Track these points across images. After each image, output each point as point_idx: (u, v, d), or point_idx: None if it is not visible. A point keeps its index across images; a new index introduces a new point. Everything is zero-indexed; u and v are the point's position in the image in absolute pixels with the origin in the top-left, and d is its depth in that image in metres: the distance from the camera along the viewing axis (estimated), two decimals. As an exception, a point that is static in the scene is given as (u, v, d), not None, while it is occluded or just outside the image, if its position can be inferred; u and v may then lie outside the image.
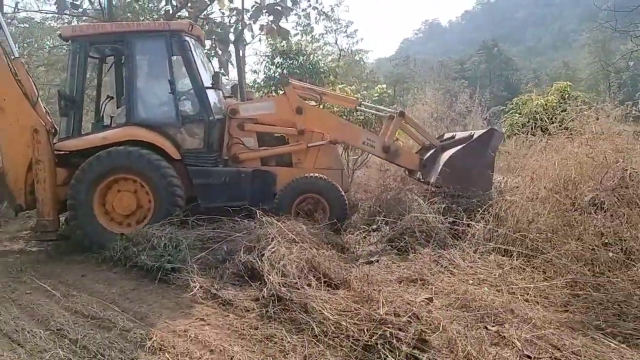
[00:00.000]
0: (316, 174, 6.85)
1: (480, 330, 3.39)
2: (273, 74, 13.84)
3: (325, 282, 4.57)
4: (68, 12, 12.91)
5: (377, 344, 3.32)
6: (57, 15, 13.77)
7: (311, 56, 13.94)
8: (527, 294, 4.18)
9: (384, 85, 10.43)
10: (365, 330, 3.46)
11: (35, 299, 4.90)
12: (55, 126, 7.17)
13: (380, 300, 3.70)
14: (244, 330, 3.98)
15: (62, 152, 6.82)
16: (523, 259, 4.74)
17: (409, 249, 5.62)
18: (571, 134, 5.78)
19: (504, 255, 4.99)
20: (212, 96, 7.17)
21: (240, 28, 10.72)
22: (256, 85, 13.85)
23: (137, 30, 7.15)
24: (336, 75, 14.13)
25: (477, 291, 4.23)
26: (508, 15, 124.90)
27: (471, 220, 5.59)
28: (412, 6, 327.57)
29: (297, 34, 18.10)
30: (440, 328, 3.26)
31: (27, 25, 15.99)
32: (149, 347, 3.68)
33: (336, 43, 30.32)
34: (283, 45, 13.65)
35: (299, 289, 4.27)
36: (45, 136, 6.60)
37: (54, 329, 4.04)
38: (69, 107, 6.82)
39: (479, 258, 5.06)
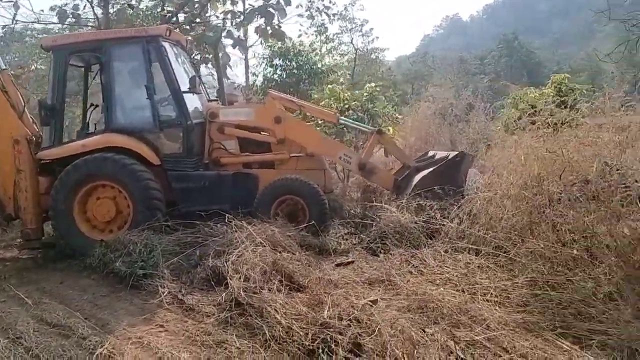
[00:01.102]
0: (295, 176, 6.77)
1: (422, 333, 3.29)
2: (271, 76, 13.88)
3: (288, 285, 4.53)
4: (68, 23, 13.09)
5: (318, 348, 3.25)
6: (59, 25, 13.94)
7: (310, 57, 13.89)
8: (489, 294, 4.07)
9: (373, 84, 10.26)
10: (309, 335, 3.40)
11: (7, 306, 4.95)
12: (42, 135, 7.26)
13: (328, 304, 3.63)
14: (197, 336, 3.95)
15: (45, 161, 6.88)
16: (491, 258, 4.62)
17: (382, 250, 5.54)
18: (555, 125, 5.61)
19: (475, 254, 4.86)
20: (193, 100, 7.17)
21: (223, 29, 10.69)
22: (254, 88, 13.92)
23: (114, 38, 7.19)
24: (329, 73, 14.00)
25: (435, 292, 4.13)
26: (530, 8, 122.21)
27: (445, 218, 5.48)
28: (432, 1, 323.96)
29: (301, 34, 18.14)
30: (376, 332, 3.18)
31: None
32: (99, 355, 3.68)
33: (352, 42, 30.28)
34: (280, 47, 13.67)
35: (257, 294, 4.23)
36: (26, 146, 6.69)
37: (12, 337, 4.08)
38: (49, 116, 6.87)
39: (449, 257, 4.95)
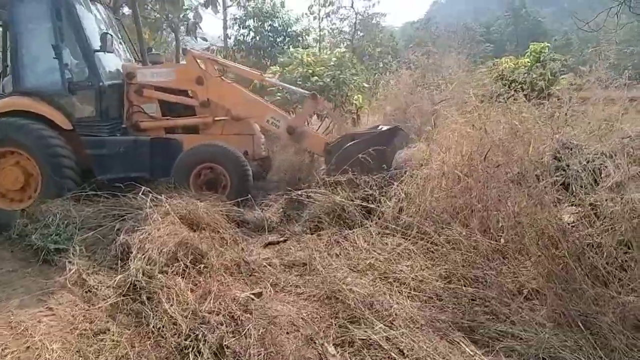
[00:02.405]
0: (214, 142, 6.39)
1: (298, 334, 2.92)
2: (244, 38, 13.21)
3: (198, 268, 4.15)
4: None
5: (189, 346, 2.89)
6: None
7: (284, 18, 13.20)
8: (405, 284, 3.69)
9: (343, 49, 9.69)
10: (184, 330, 3.03)
11: None
12: None
13: (212, 295, 3.25)
14: (80, 323, 3.59)
15: None
16: (419, 242, 4.23)
17: (317, 229, 5.15)
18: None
19: (405, 238, 4.47)
20: (109, 61, 6.70)
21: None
22: (229, 51, 13.31)
23: None
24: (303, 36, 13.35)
25: (350, 279, 3.75)
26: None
27: (383, 196, 5.06)
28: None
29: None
30: (244, 332, 2.80)
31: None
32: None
33: (352, 6, 29.24)
34: (254, 8, 12.99)
35: (153, 277, 3.85)
36: None
37: None
38: None
39: (379, 240, 4.55)
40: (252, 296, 3.31)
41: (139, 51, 7.57)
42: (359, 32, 30.36)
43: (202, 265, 3.96)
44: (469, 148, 4.03)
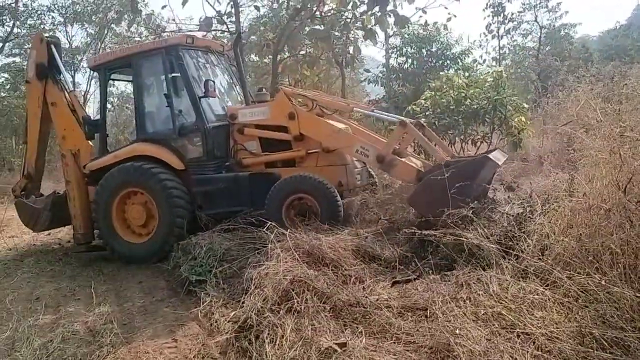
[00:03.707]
0: (304, 173, 6.45)
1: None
2: (402, 66, 13.03)
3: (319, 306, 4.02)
4: (213, 29, 13.94)
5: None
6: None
7: (443, 41, 12.70)
8: (530, 341, 3.11)
9: (501, 69, 8.95)
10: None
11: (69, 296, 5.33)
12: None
13: (300, 341, 3.08)
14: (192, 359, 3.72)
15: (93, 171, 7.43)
16: (558, 290, 3.56)
17: (447, 269, 4.68)
18: None
19: (544, 283, 3.81)
20: (217, 105, 7.38)
21: (344, 20, 10.20)
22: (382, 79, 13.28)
23: (139, 52, 7.40)
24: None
25: (466, 331, 3.29)
26: None
27: (524, 232, 4.42)
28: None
29: (450, 18, 16.73)
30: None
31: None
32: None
33: (535, 20, 27.62)
34: (410, 35, 12.77)
35: (262, 315, 3.82)
36: (72, 159, 7.48)
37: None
38: (92, 130, 7.51)
39: (514, 284, 3.94)
40: (336, 346, 3.06)
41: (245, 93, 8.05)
42: (544, 47, 28.28)
43: (306, 306, 3.81)
44: (610, 177, 3.28)
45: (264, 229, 5.34)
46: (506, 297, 3.80)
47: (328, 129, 6.71)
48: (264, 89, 7.66)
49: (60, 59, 7.93)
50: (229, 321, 4.18)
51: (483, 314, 3.65)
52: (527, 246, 4.31)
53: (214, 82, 6.93)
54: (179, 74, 6.89)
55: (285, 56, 13.17)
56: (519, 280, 4.00)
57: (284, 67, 13.52)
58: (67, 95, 7.79)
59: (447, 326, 3.51)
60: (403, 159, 6.32)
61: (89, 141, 7.67)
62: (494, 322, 3.53)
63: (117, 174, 7.02)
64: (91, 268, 6.87)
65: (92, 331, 4.43)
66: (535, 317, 3.38)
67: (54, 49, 7.79)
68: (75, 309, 5.15)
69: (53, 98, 7.78)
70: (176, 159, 7.02)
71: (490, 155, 5.55)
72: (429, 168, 6.20)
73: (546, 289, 3.66)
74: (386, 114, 7.39)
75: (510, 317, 3.50)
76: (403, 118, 6.79)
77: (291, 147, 7.00)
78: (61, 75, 7.91)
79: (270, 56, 13.09)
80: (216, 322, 4.28)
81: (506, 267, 4.23)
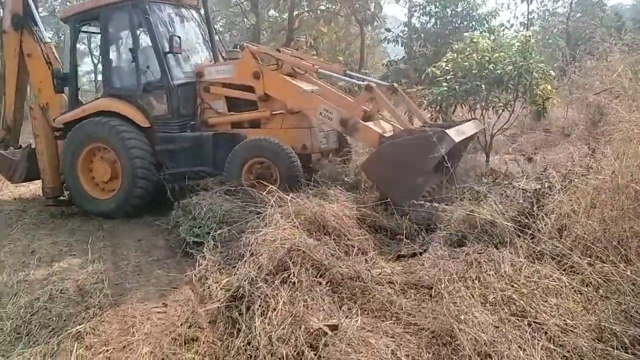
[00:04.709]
0: (261, 136, 6.27)
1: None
2: (423, 26, 12.39)
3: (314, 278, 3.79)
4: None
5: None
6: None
7: (469, 1, 11.99)
8: (542, 330, 2.84)
9: (529, 33, 8.37)
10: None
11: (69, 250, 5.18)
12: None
13: (289, 318, 2.84)
14: (179, 327, 3.53)
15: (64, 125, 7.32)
16: (576, 275, 3.26)
17: (458, 244, 4.40)
18: None
19: (561, 267, 3.51)
20: (184, 62, 7.18)
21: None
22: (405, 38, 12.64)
23: (106, 4, 7.10)
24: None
25: (472, 315, 3.02)
26: None
27: (541, 209, 4.09)
28: None
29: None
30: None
31: None
32: (73, 333, 3.47)
33: None
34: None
35: (256, 285, 3.60)
36: (40, 112, 7.37)
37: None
38: (61, 84, 7.35)
39: (528, 266, 3.65)
40: (326, 328, 2.81)
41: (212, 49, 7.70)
42: (575, 14, 27.06)
43: (301, 278, 3.56)
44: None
45: (264, 192, 5.08)
46: (518, 280, 3.53)
47: (292, 90, 6.52)
48: (238, 47, 7.45)
49: (36, 9, 7.76)
50: (221, 288, 3.99)
51: (492, 298, 3.38)
52: (544, 225, 4.00)
53: (179, 37, 6.72)
54: (177, 34, 6.74)
55: (303, 11, 12.63)
56: (534, 262, 3.71)
57: (301, 23, 13.02)
58: (42, 46, 7.54)
59: (452, 309, 3.26)
60: (367, 123, 6.12)
61: (62, 94, 7.57)
62: (504, 307, 3.27)
63: (81, 129, 6.97)
64: (91, 223, 6.70)
65: (82, 290, 4.26)
66: (549, 304, 3.10)
67: None
68: (69, 265, 5.00)
69: (29, 49, 7.61)
70: (141, 116, 6.89)
71: (447, 131, 5.24)
72: (391, 135, 5.94)
73: (563, 274, 3.36)
74: (345, 77, 7.09)
75: (521, 302, 3.23)
76: (371, 82, 6.51)
77: (257, 108, 6.80)
78: (37, 27, 7.67)
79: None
80: (209, 288, 4.09)
81: (520, 246, 3.93)
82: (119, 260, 5.18)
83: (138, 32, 7.01)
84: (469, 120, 7.09)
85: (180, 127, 6.93)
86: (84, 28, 7.81)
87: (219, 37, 8.23)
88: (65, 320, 3.69)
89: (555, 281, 3.29)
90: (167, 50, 6.67)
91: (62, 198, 7.65)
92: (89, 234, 6.13)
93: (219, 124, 6.93)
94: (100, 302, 3.98)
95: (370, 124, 6.12)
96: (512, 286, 3.46)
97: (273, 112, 6.65)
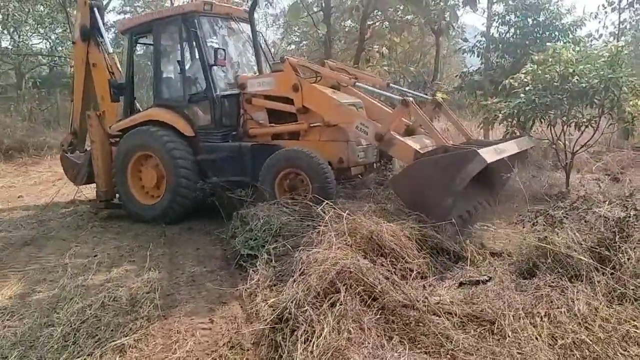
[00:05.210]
0: (296, 148, 6.33)
1: None
2: (501, 36, 11.71)
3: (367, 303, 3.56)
4: None
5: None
6: None
7: (552, 10, 11.22)
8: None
9: (621, 44, 7.67)
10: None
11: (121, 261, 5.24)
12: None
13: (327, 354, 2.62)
14: (221, 347, 3.42)
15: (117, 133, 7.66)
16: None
17: (527, 275, 4.01)
18: None
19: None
20: (230, 73, 7.39)
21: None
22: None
23: (158, 18, 7.43)
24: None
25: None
26: None
27: (626, 240, 3.63)
28: None
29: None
30: None
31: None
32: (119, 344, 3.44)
33: None
34: (515, 1, 11.42)
35: (301, 308, 3.40)
36: (96, 120, 7.67)
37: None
38: (117, 93, 7.67)
39: (606, 306, 3.24)
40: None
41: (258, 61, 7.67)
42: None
43: (350, 304, 3.33)
44: None
45: (320, 207, 4.91)
46: (594, 322, 3.14)
47: (329, 103, 6.43)
48: (280, 59, 7.33)
49: (103, 21, 8.18)
50: (269, 306, 3.84)
51: (562, 341, 3.01)
52: (627, 259, 3.55)
53: (224, 50, 6.83)
54: (221, 47, 6.91)
55: (376, 21, 12.42)
56: (613, 303, 3.30)
57: (373, 33, 12.82)
58: (106, 57, 8.00)
59: (516, 352, 2.92)
60: (406, 138, 5.96)
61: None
62: (575, 352, 2.90)
63: (131, 137, 7.30)
64: (155, 229, 6.81)
65: (134, 299, 4.23)
66: (630, 354, 2.70)
67: (96, 12, 7.99)
68: (126, 272, 5.06)
69: (94, 59, 8.04)
70: (186, 125, 7.08)
71: (479, 150, 4.94)
72: (427, 152, 5.68)
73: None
74: (383, 92, 7.02)
75: (596, 348, 2.85)
76: (409, 97, 6.28)
77: (297, 120, 6.78)
78: (102, 38, 8.10)
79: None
80: (257, 305, 3.96)
81: (598, 282, 3.53)
82: (174, 270, 5.18)
83: (186, 44, 7.26)
84: (519, 136, 6.88)
85: (222, 138, 7.08)
86: (141, 40, 8.18)
87: (268, 49, 8.32)
88: (112, 330, 3.66)
89: (637, 328, 2.88)
90: (212, 62, 6.83)
91: (113, 201, 7.96)
92: (150, 240, 6.23)
93: (260, 135, 7.02)
94: (149, 313, 3.94)
95: (408, 139, 5.97)
96: (587, 329, 3.08)
97: (311, 125, 6.64)
